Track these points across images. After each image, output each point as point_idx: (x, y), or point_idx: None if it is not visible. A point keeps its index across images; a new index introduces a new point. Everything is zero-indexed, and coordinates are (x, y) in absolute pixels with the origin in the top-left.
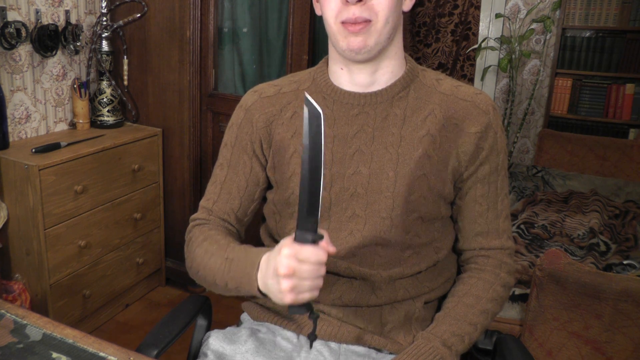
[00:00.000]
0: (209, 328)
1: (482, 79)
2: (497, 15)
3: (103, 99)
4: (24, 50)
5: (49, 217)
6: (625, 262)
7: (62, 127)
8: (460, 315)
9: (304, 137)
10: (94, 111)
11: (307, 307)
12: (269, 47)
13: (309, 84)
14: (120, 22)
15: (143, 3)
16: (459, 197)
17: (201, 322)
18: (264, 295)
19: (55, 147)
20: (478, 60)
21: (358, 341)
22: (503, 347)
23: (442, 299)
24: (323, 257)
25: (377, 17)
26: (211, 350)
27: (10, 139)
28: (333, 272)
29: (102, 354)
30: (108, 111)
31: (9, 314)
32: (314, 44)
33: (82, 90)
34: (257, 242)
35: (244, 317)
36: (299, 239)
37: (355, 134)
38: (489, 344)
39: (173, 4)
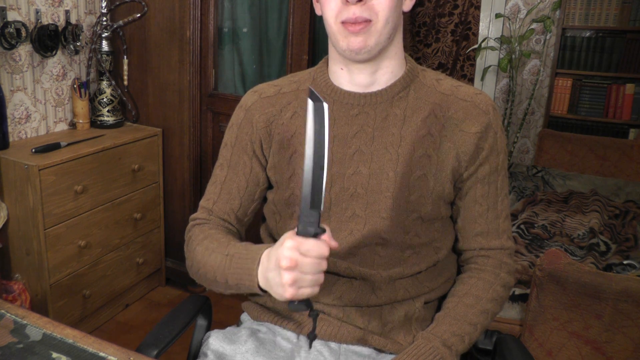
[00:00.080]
0: (209, 328)
1: (482, 79)
2: (497, 15)
3: (103, 99)
4: (24, 50)
5: (49, 217)
6: (625, 262)
7: (62, 127)
8: (460, 315)
9: (307, 130)
10: (94, 111)
11: (307, 304)
12: (269, 47)
13: (309, 84)
14: (120, 22)
15: (143, 3)
16: (458, 197)
17: (201, 322)
18: (264, 291)
19: (55, 147)
20: (478, 60)
21: (358, 341)
22: (503, 347)
23: (442, 299)
24: (325, 251)
25: (377, 17)
26: (211, 350)
27: (10, 139)
28: (333, 272)
29: (102, 354)
30: (108, 111)
31: (9, 314)
32: (314, 44)
33: (82, 90)
34: (257, 242)
35: (244, 317)
36: (301, 233)
37: (355, 134)
38: (489, 344)
39: (173, 4)
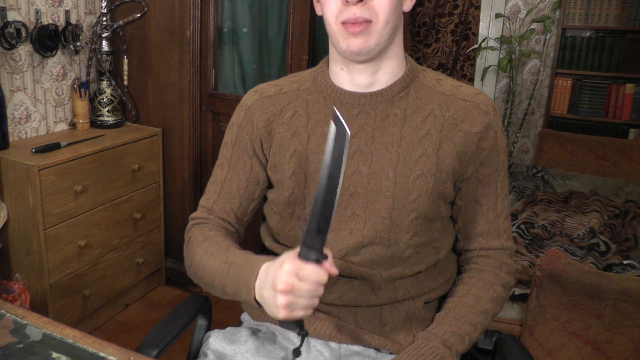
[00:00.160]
0: (209, 328)
1: (482, 79)
2: (497, 15)
3: (103, 99)
4: (24, 50)
5: (49, 217)
6: (625, 262)
7: (62, 127)
8: (460, 316)
9: (325, 154)
10: (94, 111)
11: (297, 323)
12: (269, 47)
13: (310, 84)
14: (120, 22)
15: (143, 3)
16: (459, 197)
17: (201, 322)
18: (259, 304)
19: (55, 147)
20: (478, 60)
21: (358, 341)
22: (503, 347)
23: (442, 299)
24: (324, 277)
25: (377, 18)
26: (211, 350)
27: (10, 139)
28: None
29: (102, 354)
30: (108, 111)
31: (9, 314)
32: (314, 44)
33: (82, 90)
34: (257, 242)
35: (244, 317)
36: (302, 256)
37: (356, 134)
38: (489, 344)
39: (173, 4)
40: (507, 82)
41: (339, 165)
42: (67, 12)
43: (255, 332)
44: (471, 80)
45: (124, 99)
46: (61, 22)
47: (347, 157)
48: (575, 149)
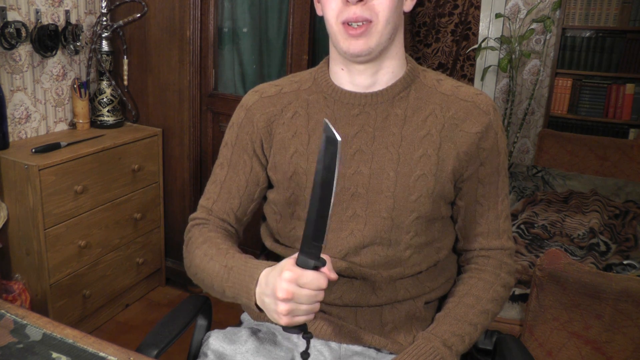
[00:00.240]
0: (209, 328)
1: (482, 79)
2: (497, 15)
3: (103, 99)
4: (24, 50)
5: (49, 217)
6: (625, 262)
7: (62, 127)
8: (460, 316)
9: (317, 162)
10: (94, 111)
11: (301, 327)
12: (269, 47)
13: (310, 84)
14: (120, 22)
15: (143, 3)
16: (459, 198)
17: (201, 322)
18: (261, 310)
19: (55, 147)
20: (478, 60)
21: (358, 341)
22: (503, 347)
23: (442, 299)
24: (324, 283)
25: (377, 18)
26: (211, 350)
27: (10, 139)
28: None
29: (102, 354)
30: (108, 111)
31: (9, 314)
32: (314, 44)
33: (82, 90)
34: (257, 242)
35: (244, 317)
36: (301, 263)
37: (356, 134)
38: (489, 344)
39: (173, 4)
40: (507, 82)
41: (332, 172)
42: (67, 12)
43: (255, 332)
44: (471, 80)
45: (124, 99)
46: (61, 22)
47: (347, 157)
48: (575, 149)
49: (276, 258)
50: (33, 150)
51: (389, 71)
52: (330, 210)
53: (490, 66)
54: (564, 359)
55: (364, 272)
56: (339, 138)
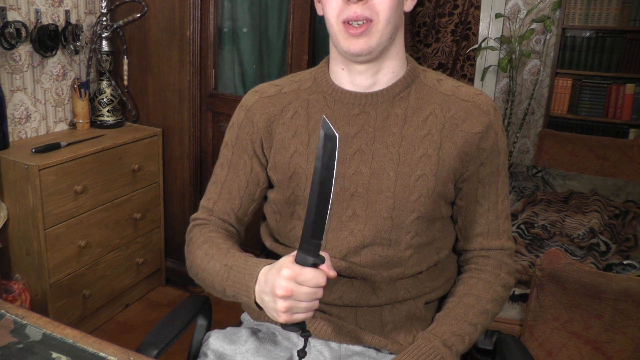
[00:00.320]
0: (209, 328)
1: (482, 79)
2: (497, 15)
3: (103, 99)
4: (24, 50)
5: (49, 217)
6: (625, 262)
7: (62, 127)
8: (460, 316)
9: (316, 159)
10: (94, 111)
11: (299, 325)
12: (269, 47)
13: (310, 83)
14: (120, 22)
15: (143, 3)
16: (459, 198)
17: (201, 322)
18: (260, 308)
19: (55, 147)
20: (478, 60)
21: (358, 341)
22: (503, 347)
23: (442, 299)
24: (322, 281)
25: (378, 17)
26: (211, 350)
27: (10, 139)
28: None
29: (102, 354)
30: (108, 111)
31: (9, 314)
32: (314, 44)
33: (82, 90)
34: (257, 242)
35: (244, 317)
36: (299, 261)
37: (356, 134)
38: (489, 344)
39: (173, 4)
40: (507, 82)
41: (330, 169)
42: (67, 12)
43: (255, 332)
44: (471, 80)
45: (124, 99)
46: (61, 22)
47: (347, 157)
48: (575, 149)
49: (276, 258)
50: (33, 150)
51: (389, 71)
52: (329, 208)
53: (490, 66)
54: (564, 359)
55: (364, 272)
56: (336, 134)
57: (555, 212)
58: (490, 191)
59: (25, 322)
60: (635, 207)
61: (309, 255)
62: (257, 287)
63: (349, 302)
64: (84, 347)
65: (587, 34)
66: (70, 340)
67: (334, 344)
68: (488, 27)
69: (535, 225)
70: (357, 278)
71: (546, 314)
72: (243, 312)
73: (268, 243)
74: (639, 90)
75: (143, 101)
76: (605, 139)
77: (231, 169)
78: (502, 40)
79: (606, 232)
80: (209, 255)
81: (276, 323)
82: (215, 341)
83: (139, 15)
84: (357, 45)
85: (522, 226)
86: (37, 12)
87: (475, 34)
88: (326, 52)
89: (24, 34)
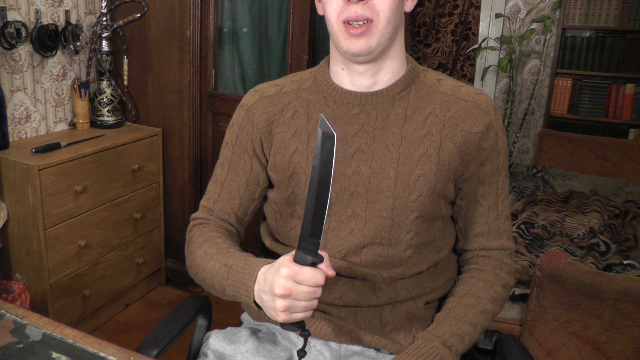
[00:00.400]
0: (209, 328)
1: (482, 79)
2: (497, 15)
3: (103, 99)
4: (24, 50)
5: (49, 217)
6: (625, 262)
7: (62, 127)
8: (460, 316)
9: (315, 158)
10: (94, 111)
11: (299, 324)
12: (269, 47)
13: (310, 83)
14: (120, 22)
15: (143, 3)
16: (459, 197)
17: (201, 322)
18: (260, 308)
19: (55, 147)
20: (478, 60)
21: (358, 341)
22: (503, 347)
23: (442, 299)
24: (321, 280)
25: (378, 17)
26: (211, 350)
27: (10, 139)
28: None
29: (102, 354)
30: (108, 111)
31: (9, 314)
32: (314, 44)
33: (82, 90)
34: (257, 242)
35: (244, 317)
36: (298, 260)
37: (356, 133)
38: (489, 344)
39: (173, 4)
40: (507, 82)
41: (328, 167)
42: (67, 12)
43: (255, 332)
44: (471, 80)
45: (124, 99)
46: (61, 22)
47: (347, 156)
48: (575, 149)
49: (276, 257)
50: (33, 150)
51: (389, 71)
52: (328, 207)
53: (490, 66)
54: (564, 359)
55: (364, 272)
56: (334, 133)
57: (555, 212)
58: (490, 191)
59: (25, 322)
60: (635, 207)
61: (308, 255)
62: (256, 287)
63: (348, 302)
64: (84, 347)
65: (587, 34)
66: (70, 340)
67: (333, 344)
68: (488, 27)
69: (535, 225)
70: (357, 278)
71: (546, 314)
72: (243, 312)
73: (268, 243)
74: (639, 90)
75: (143, 101)
76: (605, 139)
77: (231, 168)
78: (502, 40)
79: (606, 232)
80: (209, 254)
81: (276, 323)
82: (215, 341)
83: (139, 15)
84: (358, 45)
85: (522, 226)
86: (37, 12)
87: (475, 34)
88: (326, 52)
89: (24, 34)
